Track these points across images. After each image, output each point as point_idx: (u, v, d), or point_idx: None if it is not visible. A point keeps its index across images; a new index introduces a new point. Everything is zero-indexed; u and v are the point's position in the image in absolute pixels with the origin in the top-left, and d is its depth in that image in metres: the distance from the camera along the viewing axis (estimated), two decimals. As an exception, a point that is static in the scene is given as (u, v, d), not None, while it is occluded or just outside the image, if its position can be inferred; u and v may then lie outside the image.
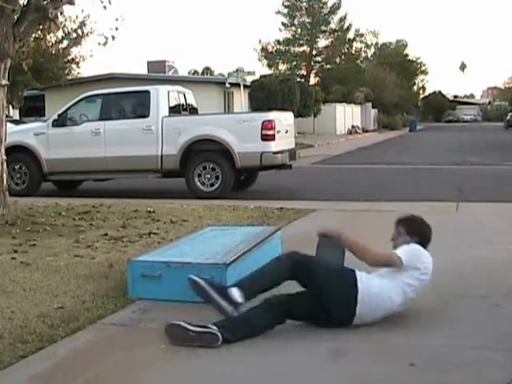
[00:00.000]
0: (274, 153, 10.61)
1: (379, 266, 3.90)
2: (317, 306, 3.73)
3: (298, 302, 3.77)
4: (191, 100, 12.43)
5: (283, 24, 60.86)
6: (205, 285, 3.78)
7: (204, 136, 10.75)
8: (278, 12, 60.92)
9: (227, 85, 28.95)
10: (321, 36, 61.07)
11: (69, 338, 3.70)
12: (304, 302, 3.77)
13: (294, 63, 60.27)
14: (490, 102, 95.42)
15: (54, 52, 23.24)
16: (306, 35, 60.19)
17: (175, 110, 11.56)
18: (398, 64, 65.95)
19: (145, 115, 11.10)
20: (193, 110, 12.32)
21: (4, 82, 7.89)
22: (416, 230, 4.06)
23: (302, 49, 60.93)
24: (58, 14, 8.46)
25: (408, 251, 3.89)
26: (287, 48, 60.51)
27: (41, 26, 9.70)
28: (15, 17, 7.86)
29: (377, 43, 70.44)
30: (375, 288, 3.80)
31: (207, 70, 61.98)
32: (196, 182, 10.79)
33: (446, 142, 31.52)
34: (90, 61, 59.29)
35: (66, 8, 8.86)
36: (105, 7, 8.64)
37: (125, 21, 9.61)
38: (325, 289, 3.74)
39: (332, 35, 61.15)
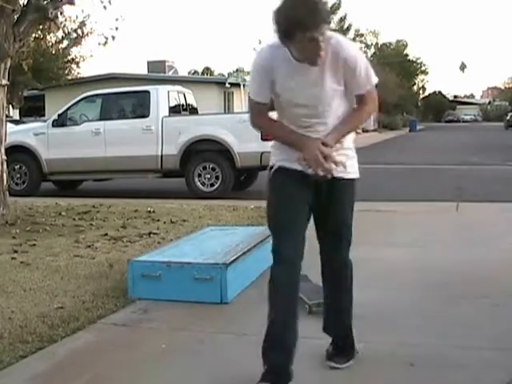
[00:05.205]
0: (274, 153, 10.59)
1: None
2: None
3: None
4: (191, 100, 12.43)
5: (283, 24, 60.84)
6: None
7: (204, 136, 10.75)
8: (278, 12, 60.92)
9: (227, 85, 28.93)
10: (321, 36, 61.02)
11: (69, 338, 3.69)
12: None
13: (294, 63, 60.23)
14: (490, 102, 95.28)
15: (54, 52, 23.26)
16: (306, 35, 60.14)
17: (175, 110, 11.56)
18: (397, 64, 65.80)
19: (145, 115, 11.10)
20: (193, 110, 12.32)
21: (4, 81, 7.89)
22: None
23: (301, 49, 60.89)
24: (58, 13, 8.45)
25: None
26: (287, 48, 60.46)
27: (41, 26, 9.70)
28: (15, 17, 7.86)
29: (377, 43, 70.35)
30: None
31: (207, 70, 61.90)
32: (196, 182, 10.79)
33: (446, 142, 31.49)
34: (90, 61, 59.25)
35: (66, 8, 8.86)
36: (105, 7, 8.68)
37: (125, 21, 9.64)
38: None
39: (332, 35, 61.10)
